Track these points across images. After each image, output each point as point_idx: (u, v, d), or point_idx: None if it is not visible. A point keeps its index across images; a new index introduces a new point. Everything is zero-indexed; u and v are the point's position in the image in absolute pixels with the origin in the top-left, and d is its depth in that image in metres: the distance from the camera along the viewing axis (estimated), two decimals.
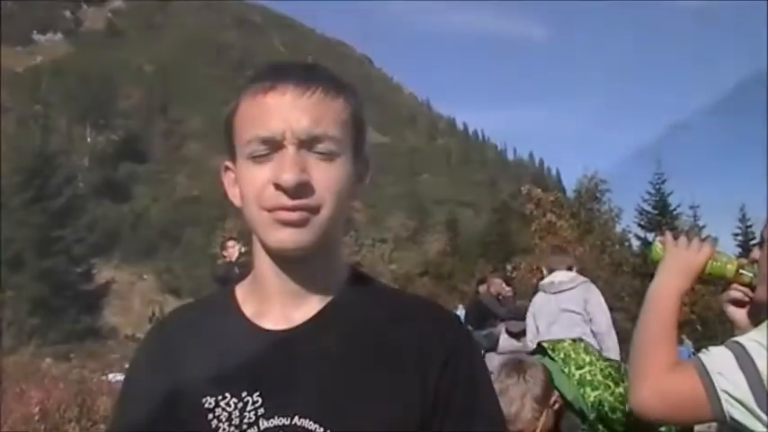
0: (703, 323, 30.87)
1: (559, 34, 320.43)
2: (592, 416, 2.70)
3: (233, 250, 12.58)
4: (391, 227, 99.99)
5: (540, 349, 2.93)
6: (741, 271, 1.91)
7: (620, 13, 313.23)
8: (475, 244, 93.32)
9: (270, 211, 1.13)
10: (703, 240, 1.94)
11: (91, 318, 23.19)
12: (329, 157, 1.15)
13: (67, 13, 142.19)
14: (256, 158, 1.14)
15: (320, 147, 1.14)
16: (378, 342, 1.18)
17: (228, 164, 1.24)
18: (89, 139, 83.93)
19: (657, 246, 2.00)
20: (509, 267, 30.83)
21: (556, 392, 2.65)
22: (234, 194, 1.23)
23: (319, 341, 1.17)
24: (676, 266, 1.90)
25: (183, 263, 69.59)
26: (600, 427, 2.72)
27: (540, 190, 33.09)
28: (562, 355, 2.81)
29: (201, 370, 1.17)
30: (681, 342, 22.27)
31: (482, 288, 12.40)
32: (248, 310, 1.22)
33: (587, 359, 2.79)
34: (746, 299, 1.94)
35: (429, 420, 1.14)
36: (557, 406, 2.63)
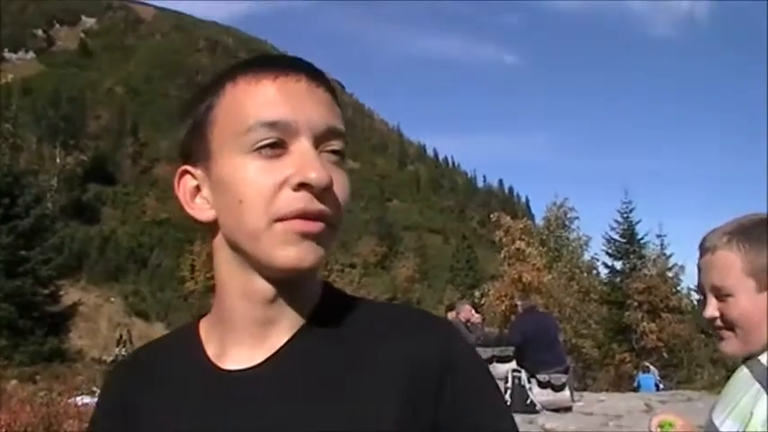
0: (670, 351, 31.16)
1: (530, 61, 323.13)
2: None
3: None
4: (360, 252, 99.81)
5: None
6: None
7: (592, 41, 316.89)
8: (443, 270, 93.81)
9: (283, 220, 0.90)
10: None
11: (57, 340, 22.79)
12: (340, 160, 0.95)
13: (40, 32, 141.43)
14: (264, 152, 0.90)
15: (334, 144, 0.94)
16: (357, 371, 0.95)
17: (189, 168, 0.99)
18: (58, 160, 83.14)
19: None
20: (477, 294, 31.06)
21: None
22: (194, 207, 0.99)
23: (287, 379, 0.95)
24: None
25: (150, 286, 69.10)
26: None
27: (509, 217, 33.35)
28: None
29: (156, 421, 0.99)
30: (647, 370, 22.40)
31: (451, 314, 12.58)
32: (210, 348, 1.02)
33: None
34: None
35: None
36: None
